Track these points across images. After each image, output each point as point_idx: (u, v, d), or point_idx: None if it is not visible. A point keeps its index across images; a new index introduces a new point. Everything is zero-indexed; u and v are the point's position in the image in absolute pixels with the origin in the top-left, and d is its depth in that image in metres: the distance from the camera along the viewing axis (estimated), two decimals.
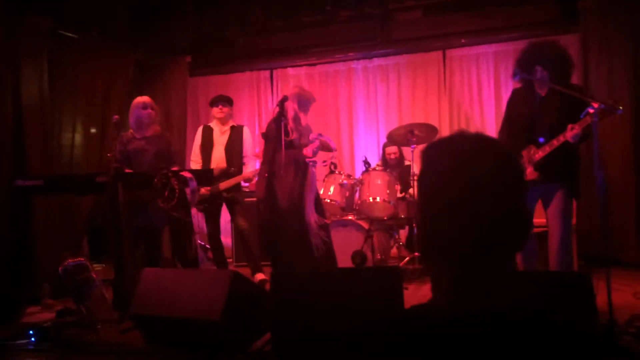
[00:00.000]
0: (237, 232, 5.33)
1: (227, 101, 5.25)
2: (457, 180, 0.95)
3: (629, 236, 5.19)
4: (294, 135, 4.02)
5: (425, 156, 1.02)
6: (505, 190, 0.96)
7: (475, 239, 0.93)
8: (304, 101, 4.15)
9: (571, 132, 3.35)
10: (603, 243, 3.55)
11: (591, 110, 3.13)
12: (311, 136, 4.24)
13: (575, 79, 5.61)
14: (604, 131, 4.96)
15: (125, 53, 6.12)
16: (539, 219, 4.24)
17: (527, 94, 3.68)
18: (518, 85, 3.74)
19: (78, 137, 5.69)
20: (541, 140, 3.55)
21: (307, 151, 4.17)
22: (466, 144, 1.00)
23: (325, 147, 4.58)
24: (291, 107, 4.07)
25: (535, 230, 4.71)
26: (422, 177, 1.03)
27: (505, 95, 6.13)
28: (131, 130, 4.52)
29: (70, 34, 5.54)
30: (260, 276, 4.88)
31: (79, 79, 5.64)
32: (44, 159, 5.06)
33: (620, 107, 3.16)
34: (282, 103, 3.48)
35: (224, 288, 2.90)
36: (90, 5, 5.31)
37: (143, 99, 4.51)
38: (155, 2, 5.87)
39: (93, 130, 5.88)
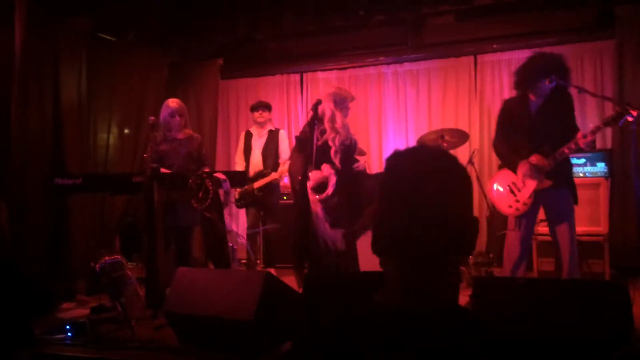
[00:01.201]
0: (263, 230, 5.56)
1: (266, 107, 5.75)
2: (413, 187, 1.05)
3: None
4: (329, 136, 3.97)
5: (388, 164, 1.13)
6: (457, 200, 1.07)
7: (427, 242, 1.03)
8: (340, 99, 4.10)
9: (584, 140, 3.39)
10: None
11: (630, 119, 3.11)
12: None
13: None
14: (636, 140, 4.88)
15: (159, 56, 6.23)
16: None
17: (522, 103, 3.69)
18: (547, 91, 3.65)
19: (113, 138, 5.81)
20: (548, 148, 3.56)
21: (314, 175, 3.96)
22: (424, 156, 1.11)
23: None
24: (328, 107, 4.03)
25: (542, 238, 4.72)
26: (382, 183, 1.12)
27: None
28: (163, 132, 4.60)
29: (107, 37, 5.67)
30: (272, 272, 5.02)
31: (115, 80, 5.76)
32: (80, 158, 5.18)
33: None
34: (315, 107, 3.51)
35: (257, 288, 2.94)
36: (127, 8, 5.42)
37: (171, 105, 4.52)
38: (189, 6, 5.96)
39: (127, 131, 6.00)
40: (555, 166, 3.55)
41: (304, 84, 7.11)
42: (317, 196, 3.81)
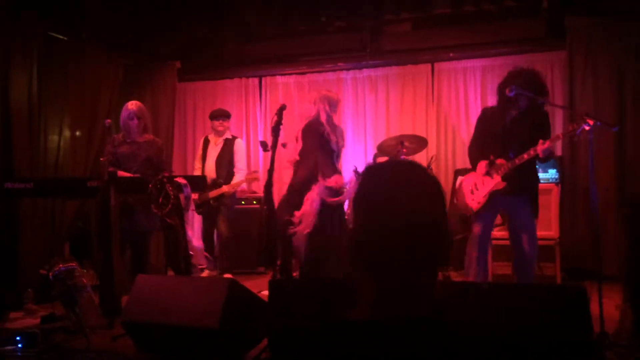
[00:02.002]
0: (218, 237, 5.68)
1: (226, 116, 5.85)
2: (388, 199, 1.07)
3: (609, 250, 5.30)
4: (332, 139, 4.06)
5: (364, 176, 1.14)
6: (431, 212, 1.08)
7: (401, 252, 1.04)
8: (334, 102, 4.17)
9: (542, 147, 3.53)
10: (594, 256, 3.63)
11: (587, 127, 3.24)
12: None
13: (560, 95, 5.80)
14: (587, 149, 5.09)
15: (115, 57, 6.06)
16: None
17: (499, 112, 3.86)
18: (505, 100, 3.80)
19: (64, 140, 5.61)
20: (511, 155, 3.73)
21: (331, 182, 4.10)
22: (399, 169, 1.14)
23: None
24: (323, 110, 4.08)
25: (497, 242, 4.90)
26: (358, 195, 1.13)
27: None
28: (122, 134, 4.48)
29: (60, 36, 5.47)
30: (227, 276, 5.25)
31: (68, 81, 5.56)
32: (31, 161, 4.98)
33: (615, 126, 3.29)
34: (280, 111, 3.48)
35: (222, 295, 2.89)
36: (81, 8, 5.24)
37: (130, 108, 4.41)
38: (146, 5, 5.83)
39: (79, 134, 5.80)
40: (517, 173, 3.69)
41: (263, 88, 7.07)
42: (329, 199, 3.99)
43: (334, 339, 1.09)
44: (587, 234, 5.29)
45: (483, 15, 5.86)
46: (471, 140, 4.08)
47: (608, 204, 5.31)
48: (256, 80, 7.07)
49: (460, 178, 4.21)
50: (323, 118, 4.09)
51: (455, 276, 5.47)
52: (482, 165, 3.81)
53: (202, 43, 6.45)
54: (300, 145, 4.07)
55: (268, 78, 7.04)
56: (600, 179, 5.33)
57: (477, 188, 3.85)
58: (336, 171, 4.17)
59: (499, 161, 3.76)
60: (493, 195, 3.78)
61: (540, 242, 4.22)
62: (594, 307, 3.61)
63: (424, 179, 1.12)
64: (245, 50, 6.81)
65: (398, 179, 1.11)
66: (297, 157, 4.09)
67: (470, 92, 6.40)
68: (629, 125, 5.26)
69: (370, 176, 1.15)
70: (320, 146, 4.06)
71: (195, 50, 6.67)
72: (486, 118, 3.95)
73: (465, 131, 6.39)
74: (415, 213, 1.06)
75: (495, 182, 3.76)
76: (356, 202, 1.14)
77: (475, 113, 6.36)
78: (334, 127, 4.15)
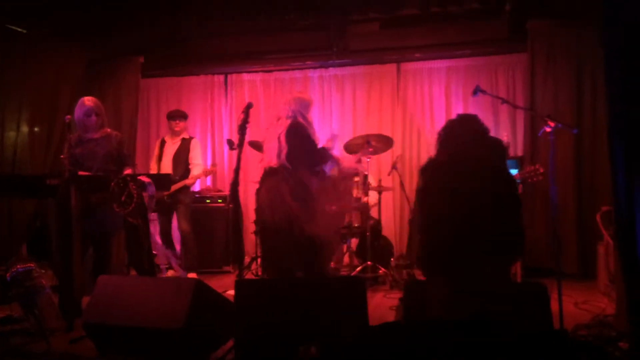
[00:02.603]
0: (180, 234, 5.68)
1: (183, 116, 5.89)
2: (459, 197, 1.03)
3: (570, 249, 5.45)
4: (317, 140, 4.07)
5: (426, 174, 1.11)
6: (504, 206, 1.05)
7: (476, 250, 1.02)
8: (306, 104, 4.15)
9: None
10: (555, 255, 3.73)
11: (548, 129, 3.32)
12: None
13: (521, 97, 5.93)
14: (548, 150, 5.22)
15: (76, 51, 5.90)
16: None
17: None
18: (472, 101, 4.10)
19: (22, 136, 5.44)
20: None
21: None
22: (467, 164, 1.08)
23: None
24: (298, 112, 4.06)
25: None
26: (423, 194, 1.10)
27: (455, 109, 6.38)
28: (78, 132, 4.31)
29: (18, 29, 5.30)
30: (192, 276, 5.32)
31: (26, 75, 5.39)
32: None
33: (574, 128, 3.40)
34: (247, 110, 3.44)
35: (187, 295, 2.85)
36: (42, 1, 5.09)
37: (87, 104, 4.21)
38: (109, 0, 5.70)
39: (37, 130, 5.63)
40: None
41: (229, 86, 7.01)
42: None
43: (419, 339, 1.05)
44: (546, 233, 5.43)
45: (449, 17, 5.94)
46: None
47: (566, 203, 5.45)
48: (222, 77, 7.01)
49: None
50: (301, 119, 4.05)
51: (420, 274, 5.53)
52: None
53: (166, 38, 6.34)
54: (285, 146, 3.96)
55: (234, 75, 6.98)
56: (558, 178, 5.47)
57: None
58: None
59: None
60: None
61: None
62: (554, 305, 3.74)
63: (494, 171, 1.09)
64: (211, 47, 6.72)
65: (463, 174, 1.08)
66: (284, 160, 3.97)
67: (435, 92, 6.48)
68: (587, 125, 5.41)
69: (432, 173, 1.11)
70: (307, 149, 4.02)
71: (159, 46, 6.55)
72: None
73: (430, 131, 6.48)
74: (484, 208, 1.03)
75: None
76: (421, 201, 1.10)
77: (440, 113, 6.47)
78: (313, 129, 4.14)
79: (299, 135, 3.99)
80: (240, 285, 2.82)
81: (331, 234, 4.13)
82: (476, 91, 3.77)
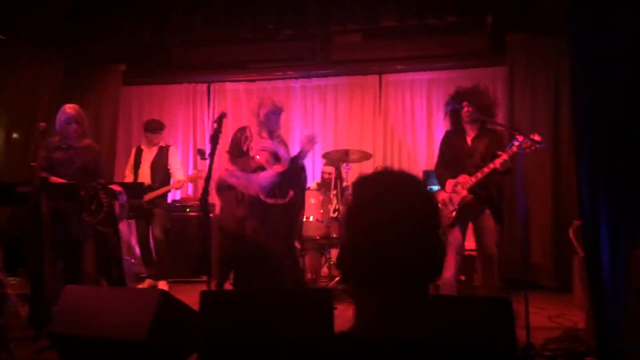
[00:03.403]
0: (153, 241, 5.62)
1: (161, 128, 5.80)
2: (384, 212, 1.03)
3: (547, 262, 5.47)
4: (246, 148, 4.03)
5: (355, 189, 1.10)
6: (426, 223, 1.05)
7: (400, 266, 1.00)
8: (261, 108, 4.13)
9: (499, 159, 3.77)
10: (523, 268, 3.75)
11: (516, 143, 3.36)
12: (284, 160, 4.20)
13: (501, 110, 5.96)
14: (527, 162, 5.24)
15: (55, 57, 5.86)
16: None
17: (459, 134, 4.17)
18: (448, 116, 4.23)
19: (0, 142, 5.39)
20: (474, 170, 3.96)
21: (264, 180, 4.07)
22: (392, 180, 1.09)
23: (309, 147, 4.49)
24: (255, 117, 4.08)
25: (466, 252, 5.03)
26: (351, 208, 1.09)
27: (436, 122, 6.41)
28: (59, 139, 4.29)
29: None
30: (162, 284, 5.31)
31: (5, 81, 5.35)
32: None
33: (543, 142, 3.46)
34: (220, 119, 3.43)
35: (152, 307, 2.81)
36: (20, 5, 5.06)
37: (68, 112, 4.21)
38: (91, 6, 5.67)
39: (16, 136, 5.58)
40: (481, 187, 3.95)
41: (211, 95, 6.98)
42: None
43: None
44: (522, 245, 5.44)
45: (431, 30, 5.98)
46: (437, 160, 4.35)
47: (544, 216, 5.47)
48: (204, 86, 6.99)
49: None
50: (249, 125, 4.07)
51: None
52: (450, 184, 4.03)
53: (148, 46, 6.32)
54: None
55: (217, 84, 6.97)
56: (536, 191, 5.50)
57: (445, 205, 4.06)
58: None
59: (463, 177, 3.98)
60: (461, 209, 3.99)
61: (471, 253, 4.36)
62: (534, 318, 3.74)
63: (417, 187, 1.09)
64: (194, 56, 6.71)
65: (390, 189, 1.08)
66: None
67: (416, 104, 6.50)
68: (564, 138, 5.44)
69: (362, 188, 1.10)
70: (236, 156, 4.02)
71: (142, 54, 6.54)
72: (449, 139, 4.27)
73: (411, 143, 6.50)
74: (410, 224, 1.01)
75: (462, 196, 3.97)
76: (349, 215, 1.09)
77: (421, 125, 6.48)
78: (260, 136, 4.07)
79: (231, 144, 4.06)
80: (205, 296, 2.78)
81: (280, 246, 4.04)
82: (449, 104, 3.84)
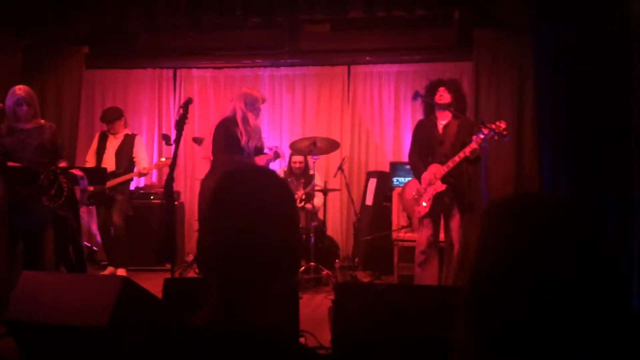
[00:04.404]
0: (112, 227, 5.52)
1: (119, 117, 5.62)
2: (236, 207, 1.06)
3: None
4: (242, 139, 4.00)
5: (215, 185, 1.13)
6: (281, 218, 1.08)
7: (248, 262, 1.03)
8: (252, 100, 4.10)
9: (469, 148, 3.86)
10: None
11: (481, 136, 3.43)
12: (267, 149, 4.25)
13: (470, 104, 6.04)
14: (490, 156, 5.34)
15: (12, 37, 5.65)
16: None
17: (430, 123, 4.26)
18: (422, 103, 4.34)
19: None
20: (445, 159, 4.07)
21: (261, 161, 4.19)
22: (250, 174, 1.13)
23: (278, 158, 4.57)
24: (238, 107, 4.04)
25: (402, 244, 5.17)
26: (210, 198, 1.12)
27: (404, 114, 6.47)
28: (9, 122, 4.12)
29: None
30: (121, 272, 5.26)
31: None
32: None
33: (505, 133, 3.55)
34: (186, 105, 3.38)
35: (113, 293, 2.76)
36: None
37: (18, 93, 4.07)
38: None
39: None
40: (452, 175, 4.05)
41: (178, 81, 6.87)
42: None
43: (176, 343, 1.06)
44: None
45: (399, 22, 6.00)
46: (410, 150, 4.42)
47: None
48: (170, 72, 6.87)
49: (402, 189, 4.50)
50: (238, 116, 4.03)
51: (363, 276, 5.57)
52: (426, 179, 4.12)
53: (112, 30, 6.15)
54: (211, 142, 4.00)
55: (183, 70, 6.86)
56: (499, 185, 5.60)
57: (420, 195, 4.15)
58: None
59: (434, 166, 4.07)
60: (436, 199, 4.09)
61: (442, 244, 4.43)
62: None
63: (272, 184, 1.11)
64: (160, 41, 6.58)
65: (246, 184, 1.10)
66: (211, 155, 4.02)
67: (384, 96, 6.54)
68: (528, 133, 5.56)
69: (221, 183, 1.13)
70: (228, 145, 4.01)
71: (106, 37, 6.36)
72: (421, 128, 4.36)
73: (379, 134, 6.54)
74: (262, 219, 1.04)
75: (435, 186, 4.07)
76: (208, 205, 1.12)
77: (388, 116, 6.53)
78: (249, 127, 4.08)
79: (221, 132, 4.04)
80: (168, 284, 2.75)
81: None
82: (416, 96, 3.92)
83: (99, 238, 5.83)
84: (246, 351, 0.98)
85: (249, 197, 1.07)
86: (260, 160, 4.26)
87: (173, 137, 3.31)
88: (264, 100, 4.34)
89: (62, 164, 4.00)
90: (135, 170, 5.52)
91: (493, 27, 5.69)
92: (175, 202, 5.94)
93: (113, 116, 5.61)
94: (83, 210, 4.94)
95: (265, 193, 1.08)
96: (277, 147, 4.66)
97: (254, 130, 4.20)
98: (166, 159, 5.90)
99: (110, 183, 5.29)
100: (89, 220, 6.32)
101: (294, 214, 1.13)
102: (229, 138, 4.03)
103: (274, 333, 1.04)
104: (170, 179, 3.14)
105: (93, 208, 5.73)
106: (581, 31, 2.56)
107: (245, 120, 4.12)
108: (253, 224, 1.04)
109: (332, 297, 4.72)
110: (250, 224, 1.04)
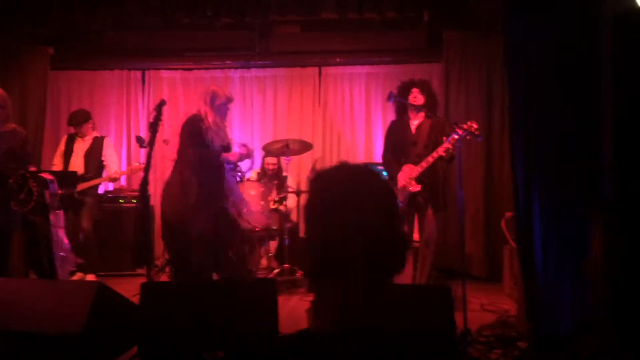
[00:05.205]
0: (80, 233, 5.39)
1: (86, 119, 5.54)
2: (342, 207, 1.03)
3: (478, 252, 5.69)
4: (208, 137, 3.96)
5: (314, 184, 1.10)
6: (386, 215, 1.06)
7: (362, 259, 1.01)
8: (217, 97, 4.06)
9: (442, 147, 3.91)
10: (460, 258, 3.88)
11: (456, 137, 3.48)
12: (237, 146, 4.23)
13: (440, 105, 6.13)
14: (461, 156, 5.42)
15: None
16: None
17: (403, 123, 4.31)
18: (394, 104, 4.40)
19: None
20: (418, 159, 4.11)
21: (233, 157, 4.19)
22: (351, 174, 1.10)
23: (248, 157, 4.53)
24: (202, 105, 4.01)
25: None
26: (310, 204, 1.09)
27: (375, 115, 6.51)
28: None
29: None
30: (90, 277, 5.19)
31: None
32: None
33: (477, 133, 3.62)
34: (159, 107, 3.34)
35: (87, 299, 2.71)
36: None
37: None
38: None
39: None
40: (426, 175, 4.10)
41: (146, 82, 6.76)
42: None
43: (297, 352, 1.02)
44: (457, 235, 5.63)
45: (369, 24, 6.05)
46: (383, 150, 4.48)
47: (476, 208, 5.68)
48: (139, 73, 6.74)
49: None
50: (202, 114, 4.00)
51: None
52: (402, 179, 4.14)
53: (78, 29, 6.02)
54: (177, 142, 3.96)
55: (152, 72, 6.74)
56: (469, 184, 5.70)
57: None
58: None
59: (408, 166, 4.11)
60: (410, 199, 4.14)
61: (415, 244, 4.48)
62: (467, 306, 3.88)
63: (375, 181, 1.09)
64: (127, 40, 6.44)
65: (348, 183, 1.07)
66: (176, 155, 3.97)
67: (355, 97, 6.58)
68: (496, 132, 5.67)
69: (319, 182, 1.10)
70: (194, 141, 3.98)
71: (72, 37, 6.22)
72: (393, 129, 4.40)
73: (350, 135, 6.57)
74: (370, 218, 1.01)
75: (409, 186, 4.11)
76: (309, 210, 1.08)
77: (360, 118, 6.57)
78: (213, 125, 4.04)
79: (186, 131, 4.02)
80: (145, 288, 2.71)
81: (225, 234, 4.08)
82: (390, 97, 3.97)
83: (67, 243, 5.68)
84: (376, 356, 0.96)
85: (352, 195, 1.03)
86: (232, 157, 4.23)
87: (147, 139, 3.26)
88: (230, 100, 4.27)
89: (32, 169, 3.91)
90: (105, 174, 5.43)
91: (462, 29, 5.79)
92: (150, 205, 5.85)
93: (80, 119, 5.50)
94: (50, 215, 4.82)
95: (366, 189, 1.05)
96: (246, 145, 4.61)
97: (220, 129, 4.15)
98: (139, 163, 5.80)
99: (80, 187, 5.20)
100: (57, 224, 6.16)
101: (396, 208, 1.10)
102: (194, 133, 4.00)
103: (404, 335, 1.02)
104: (145, 182, 3.09)
105: (60, 212, 5.59)
106: (554, 30, 2.63)
107: (208, 118, 4.09)
108: (361, 222, 1.01)
109: (308, 298, 4.74)
110: (358, 223, 1.01)
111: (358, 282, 1.02)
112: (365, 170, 1.12)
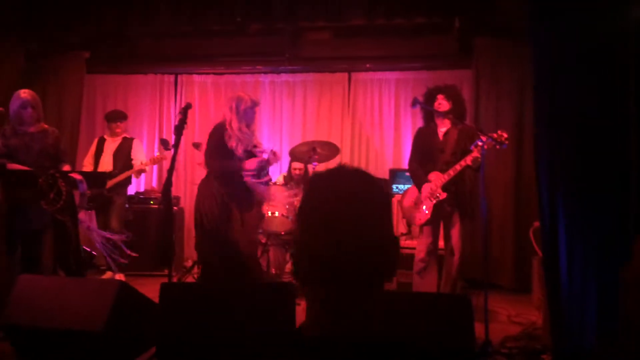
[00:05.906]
0: (111, 232, 5.41)
1: (123, 118, 5.78)
2: (333, 211, 1.01)
3: (507, 262, 5.57)
4: (230, 143, 4.00)
5: (309, 185, 1.09)
6: (380, 220, 1.04)
7: (352, 267, 0.99)
8: (242, 103, 4.09)
9: (470, 156, 3.85)
10: (483, 267, 3.81)
11: (480, 143, 3.43)
12: (264, 151, 4.23)
13: (469, 112, 6.05)
14: (490, 164, 5.33)
15: (14, 42, 5.68)
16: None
17: (430, 130, 4.27)
18: (421, 110, 4.38)
19: None
20: (446, 167, 4.07)
21: (252, 163, 4.13)
22: (345, 177, 1.07)
23: (270, 164, 4.50)
24: (227, 112, 4.07)
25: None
26: (303, 205, 1.08)
27: (404, 121, 6.47)
28: (13, 125, 4.15)
29: None
30: (120, 277, 5.30)
31: None
32: None
33: (506, 142, 3.55)
34: (184, 110, 3.39)
35: (109, 298, 2.76)
36: None
37: (22, 96, 4.09)
38: None
39: None
40: (453, 183, 4.06)
41: (179, 86, 6.88)
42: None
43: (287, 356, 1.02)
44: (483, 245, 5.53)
45: (399, 30, 6.02)
46: (410, 157, 4.43)
47: (505, 217, 5.57)
48: (172, 77, 6.88)
49: (405, 190, 4.54)
50: (227, 121, 4.04)
51: None
52: (427, 188, 4.11)
53: (114, 35, 6.18)
54: (205, 147, 4.03)
55: (184, 76, 6.87)
56: (498, 193, 5.60)
57: (420, 202, 4.16)
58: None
59: (435, 174, 4.07)
60: (437, 206, 4.10)
61: (441, 252, 4.42)
62: (493, 317, 3.81)
63: (369, 185, 1.07)
64: (161, 46, 6.61)
65: (341, 186, 1.05)
66: (203, 161, 4.03)
67: (384, 103, 6.54)
68: (528, 141, 5.54)
69: (315, 185, 1.08)
70: (218, 151, 4.02)
71: (107, 42, 6.39)
72: (421, 136, 4.36)
73: (379, 141, 6.54)
74: (361, 222, 1.00)
75: (436, 194, 4.07)
76: (302, 212, 1.07)
77: (389, 124, 6.53)
78: (238, 132, 4.05)
79: (212, 138, 4.07)
80: (165, 288, 2.74)
81: (246, 241, 4.08)
82: (414, 103, 3.93)
83: (98, 243, 5.81)
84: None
85: (343, 199, 1.02)
86: (251, 164, 4.19)
87: (172, 142, 3.31)
88: (255, 103, 4.28)
89: (65, 168, 4.03)
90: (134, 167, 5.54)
91: (494, 35, 5.70)
92: (175, 208, 5.93)
93: (118, 115, 5.71)
94: (82, 214, 4.93)
95: (359, 193, 1.03)
96: (275, 153, 4.61)
97: (244, 135, 4.15)
98: (160, 154, 5.84)
99: (108, 184, 5.32)
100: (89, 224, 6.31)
101: (389, 213, 1.08)
102: (219, 144, 4.04)
103: (389, 342, 1.00)
104: (168, 183, 3.14)
105: (92, 212, 5.73)
106: (582, 37, 2.56)
107: (232, 125, 4.11)
108: (352, 227, 1.00)
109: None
110: (348, 227, 1.00)
111: (347, 287, 1.00)
112: (360, 174, 1.10)
